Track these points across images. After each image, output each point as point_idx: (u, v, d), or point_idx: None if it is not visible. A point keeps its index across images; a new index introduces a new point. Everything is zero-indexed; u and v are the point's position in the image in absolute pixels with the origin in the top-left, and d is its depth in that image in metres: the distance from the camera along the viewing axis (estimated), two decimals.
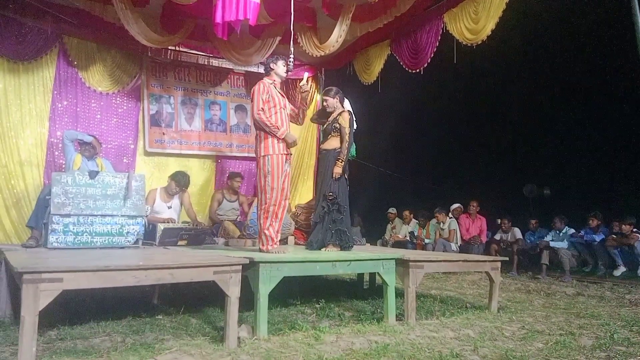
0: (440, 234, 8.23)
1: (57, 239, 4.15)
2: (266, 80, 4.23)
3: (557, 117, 11.55)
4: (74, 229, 4.21)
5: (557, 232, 7.63)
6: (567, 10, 9.06)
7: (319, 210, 4.59)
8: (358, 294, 5.10)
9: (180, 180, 5.71)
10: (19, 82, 5.72)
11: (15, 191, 5.58)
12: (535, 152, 12.31)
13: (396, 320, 3.87)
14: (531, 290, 5.85)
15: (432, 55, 5.99)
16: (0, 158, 5.53)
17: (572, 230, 7.64)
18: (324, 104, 4.80)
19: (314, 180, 7.67)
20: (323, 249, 4.45)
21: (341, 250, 4.45)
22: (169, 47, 6.59)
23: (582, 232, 7.54)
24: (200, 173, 7.08)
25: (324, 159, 4.72)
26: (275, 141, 4.08)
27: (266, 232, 4.03)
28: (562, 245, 7.32)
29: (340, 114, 4.68)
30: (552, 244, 7.34)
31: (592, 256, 7.42)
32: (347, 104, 4.83)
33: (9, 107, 5.63)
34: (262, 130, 4.10)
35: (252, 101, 4.13)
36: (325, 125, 4.78)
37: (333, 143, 4.65)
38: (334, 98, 4.74)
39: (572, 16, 9.36)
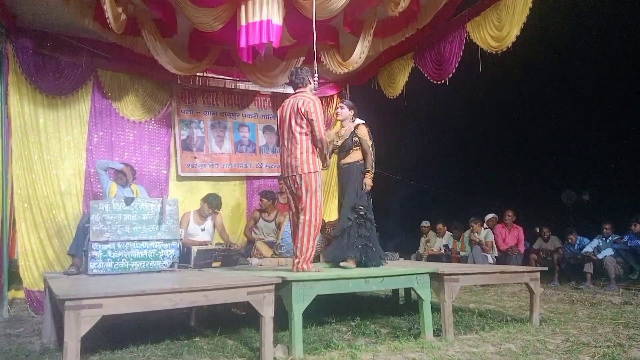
0: (476, 243, 8.04)
1: (96, 265, 4.28)
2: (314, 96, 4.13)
3: (594, 120, 11.20)
4: (112, 255, 4.33)
5: (605, 239, 7.33)
6: (595, 10, 8.85)
7: (341, 223, 4.47)
8: (394, 310, 5.02)
9: (212, 202, 5.81)
10: (57, 115, 5.98)
11: (57, 221, 5.79)
12: (571, 157, 11.94)
13: (434, 335, 3.79)
14: (575, 301, 5.63)
15: (457, 65, 5.93)
16: (42, 189, 5.76)
17: (616, 237, 7.34)
18: (337, 111, 4.84)
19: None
20: (342, 263, 4.30)
21: (365, 266, 4.31)
22: (197, 74, 6.79)
23: (626, 238, 7.23)
24: (231, 195, 7.19)
25: (346, 173, 4.65)
26: (317, 159, 4.02)
27: (311, 250, 3.91)
28: (608, 253, 7.03)
29: (357, 127, 4.64)
30: (599, 255, 7.06)
31: (638, 263, 7.09)
32: (359, 120, 4.78)
33: (49, 140, 5.88)
34: (321, 149, 4.02)
35: (312, 119, 3.91)
36: (342, 142, 4.69)
37: (355, 156, 4.62)
38: (350, 110, 4.72)
39: (602, 17, 9.14)
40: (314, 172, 3.93)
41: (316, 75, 4.47)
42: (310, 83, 4.16)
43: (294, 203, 4.07)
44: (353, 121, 4.73)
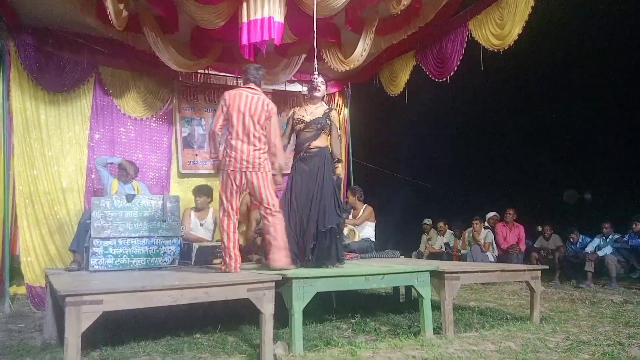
0: (475, 242, 8.04)
1: (97, 261, 4.29)
2: None
3: (597, 119, 11.18)
4: (113, 251, 4.34)
5: (605, 238, 7.33)
6: (600, 7, 8.82)
7: (331, 219, 4.05)
8: (394, 307, 5.03)
9: (202, 191, 5.81)
10: (59, 112, 5.99)
11: (58, 217, 5.80)
12: (574, 156, 11.93)
13: (434, 333, 3.80)
14: (575, 299, 5.63)
15: (459, 63, 5.93)
16: (44, 186, 5.77)
17: (617, 235, 7.34)
18: (317, 85, 4.39)
19: (345, 191, 7.66)
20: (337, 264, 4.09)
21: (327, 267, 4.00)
22: (199, 71, 6.78)
23: (627, 237, 7.23)
24: None
25: (316, 158, 4.22)
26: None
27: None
28: (608, 251, 7.03)
29: (330, 110, 4.42)
30: (600, 253, 7.06)
31: (639, 261, 7.09)
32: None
33: (51, 137, 5.89)
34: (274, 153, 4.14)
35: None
36: (313, 119, 4.30)
37: (325, 141, 4.31)
38: (326, 89, 4.54)
39: (604, 17, 9.11)
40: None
41: (316, 72, 4.47)
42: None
43: (235, 198, 3.93)
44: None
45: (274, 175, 4.01)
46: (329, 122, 4.35)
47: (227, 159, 3.88)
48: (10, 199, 5.47)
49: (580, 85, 10.93)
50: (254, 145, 3.89)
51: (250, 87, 4.08)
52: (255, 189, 3.88)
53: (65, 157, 5.99)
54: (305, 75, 7.08)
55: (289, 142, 4.58)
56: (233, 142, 3.87)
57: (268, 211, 3.89)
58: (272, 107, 4.05)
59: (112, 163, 5.52)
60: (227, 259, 3.83)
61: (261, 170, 3.90)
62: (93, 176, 6.11)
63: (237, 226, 3.98)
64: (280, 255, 3.82)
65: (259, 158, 3.90)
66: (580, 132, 11.67)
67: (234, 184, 3.87)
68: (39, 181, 5.73)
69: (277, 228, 3.88)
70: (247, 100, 3.96)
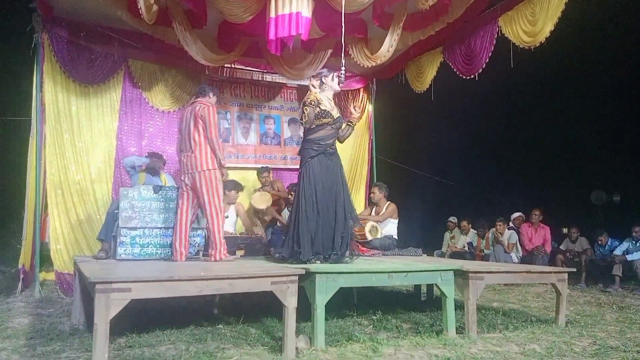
0: (498, 243, 7.91)
1: (124, 250, 4.38)
2: None
3: (626, 120, 10.88)
4: (140, 241, 4.43)
5: (635, 242, 7.12)
6: (636, 5, 8.55)
7: (355, 218, 4.35)
8: (415, 306, 5.00)
9: (228, 185, 5.83)
10: (89, 104, 6.12)
11: (87, 206, 5.93)
12: (602, 157, 11.63)
13: (456, 333, 3.76)
14: (602, 304, 5.50)
15: (487, 60, 5.83)
16: (74, 175, 5.91)
17: None
18: (341, 76, 4.36)
19: (367, 190, 7.64)
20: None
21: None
22: (225, 65, 6.84)
23: None
24: (255, 186, 7.24)
25: (332, 156, 4.26)
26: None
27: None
28: (637, 256, 6.83)
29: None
30: (629, 257, 6.87)
31: None
32: None
33: (81, 128, 6.03)
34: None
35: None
36: (337, 117, 4.30)
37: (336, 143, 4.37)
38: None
39: (637, 14, 8.83)
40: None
41: (343, 68, 4.46)
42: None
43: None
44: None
45: None
46: (350, 122, 4.47)
47: None
48: (41, 187, 5.62)
49: (611, 85, 10.65)
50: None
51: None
52: None
53: (94, 148, 6.12)
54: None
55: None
56: None
57: None
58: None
59: (140, 166, 5.45)
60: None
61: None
62: (122, 167, 6.22)
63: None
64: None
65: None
66: (610, 132, 11.37)
67: None
68: (69, 171, 5.88)
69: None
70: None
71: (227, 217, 5.83)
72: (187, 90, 6.80)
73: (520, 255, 7.74)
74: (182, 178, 4.38)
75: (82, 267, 3.61)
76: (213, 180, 4.27)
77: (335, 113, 4.32)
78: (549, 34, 5.02)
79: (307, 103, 4.19)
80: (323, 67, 6.70)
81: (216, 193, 4.27)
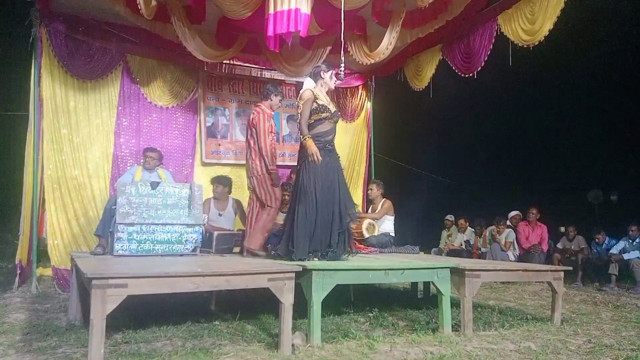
0: (495, 241, 7.93)
1: (122, 246, 4.37)
2: None
3: (625, 119, 10.89)
4: (137, 237, 4.42)
5: (631, 241, 7.15)
6: (629, 6, 8.57)
7: (352, 215, 4.29)
8: (412, 303, 5.01)
9: (219, 180, 5.83)
10: (87, 99, 6.10)
11: (84, 201, 5.93)
12: (600, 156, 11.65)
13: (452, 331, 3.77)
14: (598, 302, 5.52)
15: (486, 58, 5.83)
16: (71, 171, 5.91)
17: None
18: (341, 77, 4.40)
19: (365, 188, 7.64)
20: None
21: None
22: (224, 61, 6.82)
23: None
24: None
25: (331, 152, 4.22)
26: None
27: None
28: (634, 255, 6.86)
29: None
30: (625, 256, 6.89)
31: None
32: None
33: (79, 124, 6.02)
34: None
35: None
36: (335, 111, 4.25)
37: None
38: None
39: (636, 13, 8.83)
40: None
41: (342, 65, 4.46)
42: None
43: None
44: None
45: None
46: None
47: None
48: (38, 182, 5.61)
49: (609, 84, 10.66)
50: None
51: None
52: None
53: (92, 144, 6.11)
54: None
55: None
56: None
57: None
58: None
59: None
60: None
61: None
62: (119, 163, 6.23)
63: None
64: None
65: None
66: (608, 131, 11.39)
67: None
68: (67, 166, 5.88)
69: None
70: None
71: (220, 214, 5.81)
72: (185, 86, 6.80)
73: (517, 254, 7.76)
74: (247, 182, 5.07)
75: (79, 263, 3.60)
76: (265, 183, 4.81)
77: (332, 107, 4.30)
78: (547, 33, 5.03)
79: (302, 97, 4.16)
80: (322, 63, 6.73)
81: (272, 195, 4.82)
